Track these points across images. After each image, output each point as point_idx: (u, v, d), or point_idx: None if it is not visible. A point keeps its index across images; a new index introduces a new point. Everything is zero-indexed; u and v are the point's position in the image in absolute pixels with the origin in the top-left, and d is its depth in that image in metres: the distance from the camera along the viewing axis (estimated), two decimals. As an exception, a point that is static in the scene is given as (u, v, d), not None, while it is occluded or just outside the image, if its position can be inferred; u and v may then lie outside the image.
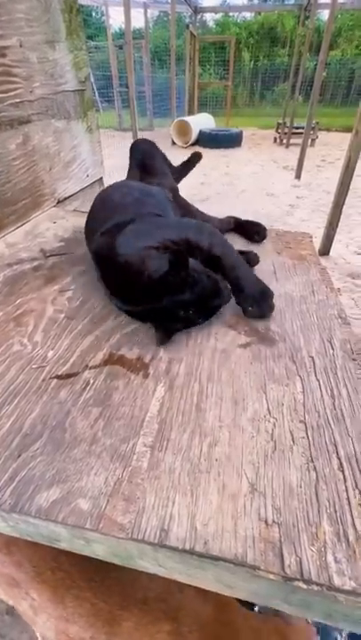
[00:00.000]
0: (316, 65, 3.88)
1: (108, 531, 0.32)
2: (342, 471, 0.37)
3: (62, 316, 0.61)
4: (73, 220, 1.00)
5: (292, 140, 7.04)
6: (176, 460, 0.38)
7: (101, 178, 1.46)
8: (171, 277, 0.50)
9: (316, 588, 0.29)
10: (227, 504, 0.34)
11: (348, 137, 2.52)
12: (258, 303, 0.59)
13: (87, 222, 0.75)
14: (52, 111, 1.04)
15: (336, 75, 12.57)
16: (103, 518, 0.33)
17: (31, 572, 0.46)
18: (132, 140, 0.95)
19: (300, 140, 5.08)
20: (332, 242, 2.76)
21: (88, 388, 0.47)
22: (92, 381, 0.48)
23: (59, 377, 0.49)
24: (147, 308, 0.55)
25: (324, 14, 7.69)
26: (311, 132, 5.78)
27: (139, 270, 0.53)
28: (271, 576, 0.29)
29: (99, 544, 0.34)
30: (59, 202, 1.14)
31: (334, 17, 4.04)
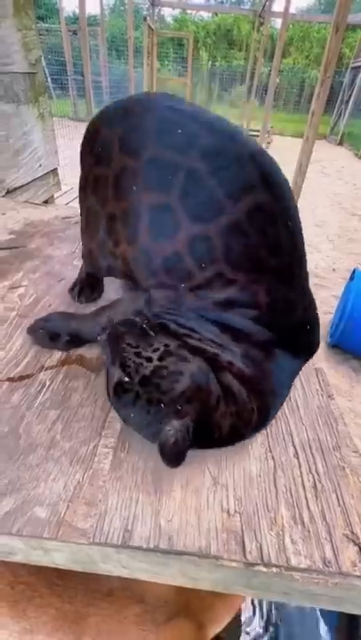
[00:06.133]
0: (270, 71, 4.04)
1: (69, 537, 0.31)
2: (297, 457, 0.39)
3: (14, 314, 0.57)
4: (24, 212, 0.93)
5: (248, 142, 7.25)
6: (140, 459, 0.38)
7: (56, 169, 1.39)
8: None
9: (275, 569, 0.30)
10: (190, 499, 0.35)
11: (299, 142, 2.66)
12: None
13: None
14: (-1, 93, 0.97)
15: (288, 82, 13.22)
16: (63, 525, 0.32)
17: None
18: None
19: (256, 143, 5.25)
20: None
21: (44, 390, 0.45)
22: (48, 383, 0.46)
23: (11, 379, 0.46)
24: None
25: (278, 22, 8.03)
26: (266, 136, 6.02)
27: None
28: (234, 564, 0.30)
29: (58, 552, 0.32)
30: (8, 192, 1.06)
31: (286, 27, 4.23)
